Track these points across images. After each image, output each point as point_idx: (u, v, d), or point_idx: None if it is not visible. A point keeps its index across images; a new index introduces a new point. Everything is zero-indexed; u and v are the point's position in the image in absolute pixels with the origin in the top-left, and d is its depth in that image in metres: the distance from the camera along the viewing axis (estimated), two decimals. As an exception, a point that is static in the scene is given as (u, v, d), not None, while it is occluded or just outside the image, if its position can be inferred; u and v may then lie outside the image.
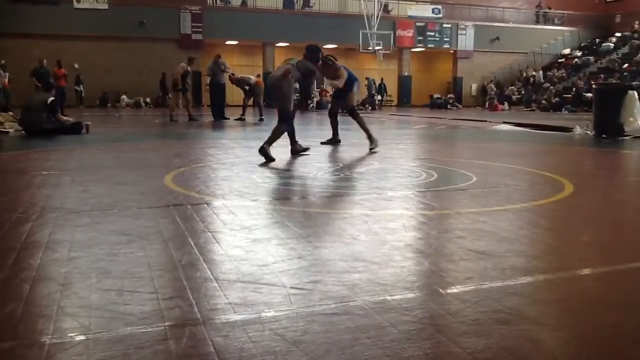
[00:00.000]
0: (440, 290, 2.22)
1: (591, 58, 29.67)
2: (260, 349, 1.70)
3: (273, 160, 6.20)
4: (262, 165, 6.02)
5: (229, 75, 15.13)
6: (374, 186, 4.81)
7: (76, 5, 23.58)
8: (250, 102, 15.40)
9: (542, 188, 4.87)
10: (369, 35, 26.86)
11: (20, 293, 2.15)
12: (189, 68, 14.22)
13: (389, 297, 2.13)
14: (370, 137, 7.71)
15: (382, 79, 30.50)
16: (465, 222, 3.44)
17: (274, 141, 6.47)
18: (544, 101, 25.95)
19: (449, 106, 27.92)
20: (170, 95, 16.09)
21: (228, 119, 14.86)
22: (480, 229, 3.23)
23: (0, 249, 2.75)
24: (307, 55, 6.89)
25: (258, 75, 17.68)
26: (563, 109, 24.15)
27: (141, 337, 1.77)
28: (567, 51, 32.45)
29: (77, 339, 1.76)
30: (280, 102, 6.68)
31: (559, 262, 2.71)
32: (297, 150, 6.87)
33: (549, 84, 28.25)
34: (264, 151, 6.26)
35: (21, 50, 22.65)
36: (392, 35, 28.31)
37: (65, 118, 10.16)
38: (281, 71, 6.67)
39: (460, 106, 28.95)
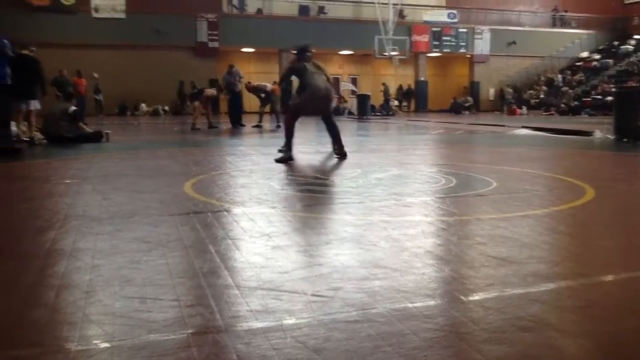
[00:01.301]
0: (462, 298, 2.21)
1: (610, 61, 29.34)
2: (282, 356, 1.71)
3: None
4: (280, 172, 6.04)
5: (245, 84, 15.25)
6: (392, 192, 4.80)
7: (94, 14, 23.88)
8: (267, 109, 15.47)
9: (562, 193, 4.83)
10: (384, 40, 26.81)
11: (45, 300, 2.19)
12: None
13: (409, 305, 2.13)
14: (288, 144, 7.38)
15: (409, 85, 30.52)
16: (486, 228, 3.42)
17: (341, 142, 7.23)
18: (563, 105, 25.73)
19: (462, 111, 27.84)
20: (189, 104, 16.32)
21: (244, 126, 14.94)
22: (500, 235, 3.21)
23: (26, 257, 2.80)
24: (305, 53, 7.26)
25: (274, 83, 17.74)
26: (582, 113, 23.93)
27: (164, 345, 1.79)
28: (585, 54, 32.14)
29: (101, 346, 1.79)
30: (329, 110, 7.28)
31: (580, 268, 2.69)
32: (344, 154, 7.23)
33: (567, 88, 27.99)
34: (344, 154, 7.09)
35: (41, 60, 22.97)
36: (407, 41, 28.24)
37: (84, 127, 10.30)
38: (325, 82, 7.10)
39: (475, 111, 28.75)
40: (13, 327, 1.94)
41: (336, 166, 6.69)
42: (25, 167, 6.83)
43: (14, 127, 8.95)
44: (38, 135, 9.72)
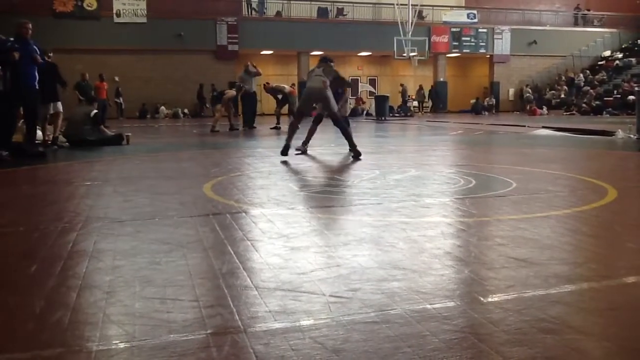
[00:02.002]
0: (481, 299, 2.19)
1: (633, 60, 28.89)
2: (301, 357, 1.71)
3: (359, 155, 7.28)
4: (298, 173, 6.05)
5: (264, 85, 15.28)
6: (411, 193, 4.78)
7: (116, 19, 24.22)
8: (285, 110, 15.50)
9: (584, 194, 4.77)
10: (403, 41, 26.72)
11: (67, 301, 2.21)
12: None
13: (429, 306, 2.12)
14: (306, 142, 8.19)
15: (432, 85, 30.35)
16: (506, 229, 3.39)
17: (353, 141, 7.47)
18: (584, 105, 25.39)
19: (482, 112, 27.69)
20: (208, 106, 16.41)
21: (255, 127, 14.92)
22: (521, 236, 3.18)
23: (48, 258, 2.84)
24: (326, 62, 7.80)
25: (292, 85, 17.81)
26: (604, 112, 23.60)
27: (184, 345, 1.80)
28: (607, 53, 31.69)
29: (122, 346, 1.80)
30: (329, 109, 7.50)
31: (603, 269, 2.65)
32: (358, 154, 7.36)
33: (589, 87, 27.63)
34: (358, 153, 7.30)
35: (65, 65, 23.23)
36: (427, 41, 28.12)
37: (106, 130, 10.43)
38: (319, 82, 7.34)
39: (494, 112, 28.58)
40: (35, 328, 1.97)
41: (354, 167, 6.68)
42: (48, 170, 6.93)
43: (38, 132, 9.10)
44: (61, 138, 9.87)
